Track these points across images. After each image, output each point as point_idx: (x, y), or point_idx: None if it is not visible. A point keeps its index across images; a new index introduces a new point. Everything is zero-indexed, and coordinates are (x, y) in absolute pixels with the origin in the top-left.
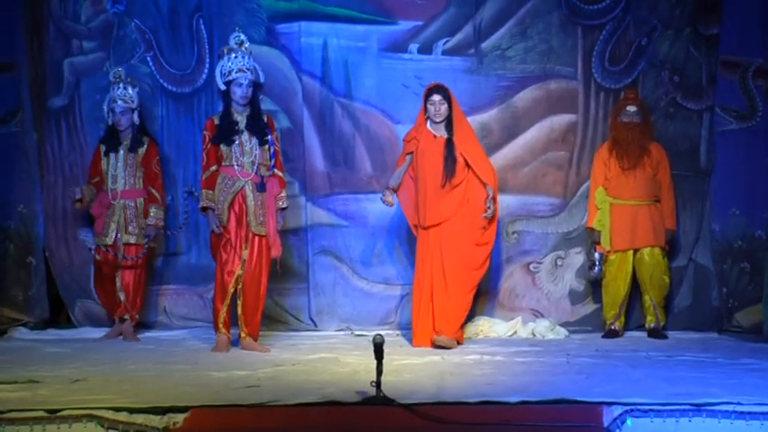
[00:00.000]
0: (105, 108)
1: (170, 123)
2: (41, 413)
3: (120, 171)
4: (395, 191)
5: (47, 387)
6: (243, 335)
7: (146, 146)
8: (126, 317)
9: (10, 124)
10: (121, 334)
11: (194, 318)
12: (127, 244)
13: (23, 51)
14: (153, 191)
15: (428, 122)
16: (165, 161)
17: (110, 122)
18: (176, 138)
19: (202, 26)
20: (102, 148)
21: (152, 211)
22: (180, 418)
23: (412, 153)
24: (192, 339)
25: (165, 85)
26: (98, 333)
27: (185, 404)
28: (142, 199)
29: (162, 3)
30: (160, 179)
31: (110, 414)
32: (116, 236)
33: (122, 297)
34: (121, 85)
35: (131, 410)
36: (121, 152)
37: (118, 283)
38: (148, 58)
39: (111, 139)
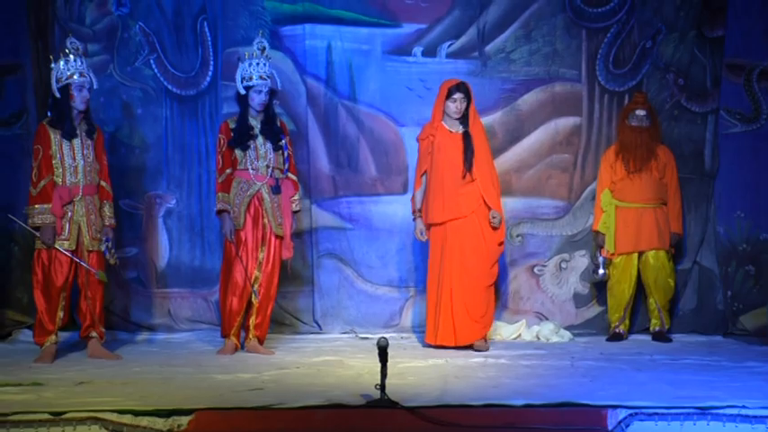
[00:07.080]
0: (55, 84)
1: (174, 126)
2: (46, 415)
3: (80, 161)
4: (421, 212)
5: (51, 389)
6: (249, 337)
7: (95, 132)
8: (93, 335)
9: (14, 126)
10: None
11: (199, 320)
12: (90, 251)
13: (28, 54)
14: (105, 185)
15: (443, 118)
16: (169, 163)
17: (74, 104)
18: (180, 140)
19: (206, 29)
20: (54, 133)
21: (106, 209)
22: (184, 420)
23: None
24: (197, 342)
25: (169, 87)
26: None
27: (190, 407)
28: (96, 196)
29: (166, 5)
30: (107, 171)
31: (114, 416)
32: (78, 240)
33: (90, 310)
34: (80, 59)
35: (136, 413)
36: (78, 139)
37: (87, 301)
38: (152, 61)
39: (68, 123)
